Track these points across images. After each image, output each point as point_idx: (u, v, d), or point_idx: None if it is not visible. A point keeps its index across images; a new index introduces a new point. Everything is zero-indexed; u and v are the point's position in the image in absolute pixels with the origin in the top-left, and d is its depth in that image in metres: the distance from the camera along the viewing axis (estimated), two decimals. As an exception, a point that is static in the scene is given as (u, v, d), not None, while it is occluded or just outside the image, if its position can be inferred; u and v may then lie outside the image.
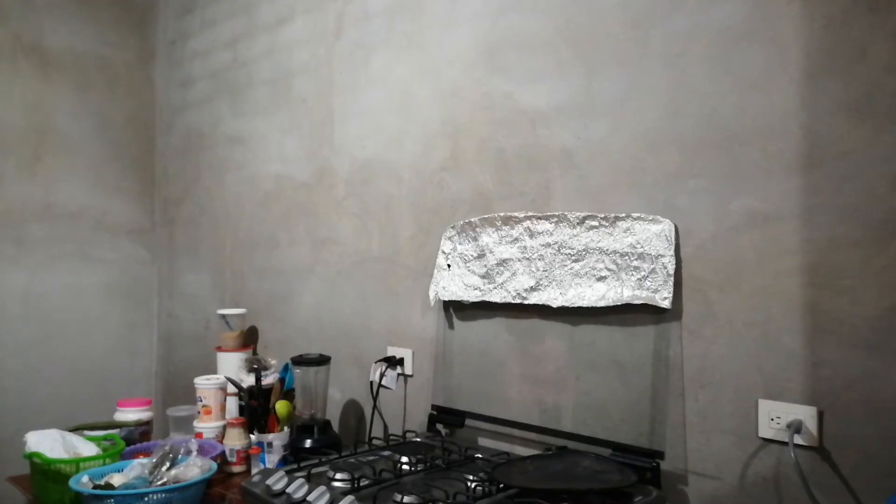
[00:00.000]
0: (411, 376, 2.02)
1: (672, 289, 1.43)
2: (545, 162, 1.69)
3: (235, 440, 1.92)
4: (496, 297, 1.74)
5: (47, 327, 2.91)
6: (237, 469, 1.90)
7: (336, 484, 1.45)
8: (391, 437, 1.81)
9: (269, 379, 2.05)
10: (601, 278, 1.55)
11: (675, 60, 1.47)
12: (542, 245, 1.66)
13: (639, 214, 1.50)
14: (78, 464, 1.73)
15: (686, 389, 1.45)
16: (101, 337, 3.04)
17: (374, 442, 1.76)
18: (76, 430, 1.94)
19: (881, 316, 1.22)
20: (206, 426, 2.05)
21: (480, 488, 1.37)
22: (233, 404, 2.14)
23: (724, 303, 1.40)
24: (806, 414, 1.29)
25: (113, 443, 1.93)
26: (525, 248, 1.69)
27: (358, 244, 2.19)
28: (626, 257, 1.51)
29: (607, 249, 1.54)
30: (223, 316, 2.49)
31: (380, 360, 2.01)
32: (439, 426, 1.88)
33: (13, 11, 2.80)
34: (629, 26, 1.54)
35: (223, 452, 1.90)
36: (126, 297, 3.12)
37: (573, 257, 1.60)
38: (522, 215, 1.70)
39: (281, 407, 1.95)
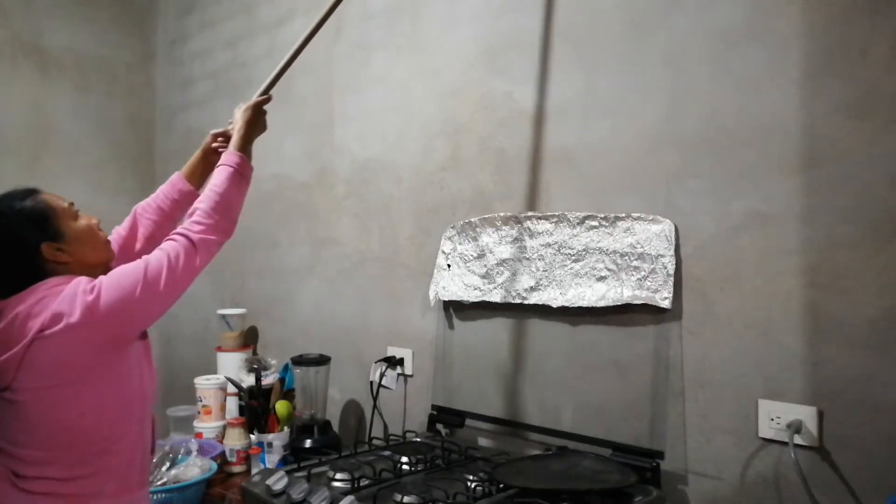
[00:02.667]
0: (411, 376, 2.02)
1: (672, 289, 1.43)
2: (545, 162, 1.69)
3: (235, 440, 1.92)
4: (496, 297, 1.74)
5: (47, 327, 2.90)
6: (237, 469, 1.90)
7: (336, 484, 1.45)
8: (391, 437, 1.81)
9: (269, 379, 2.05)
10: (601, 278, 1.55)
11: (675, 60, 1.47)
12: (542, 245, 1.65)
13: (639, 214, 1.50)
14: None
15: (686, 389, 1.45)
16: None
17: (374, 442, 1.76)
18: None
19: (881, 316, 1.22)
20: (206, 426, 2.05)
21: (480, 488, 1.37)
22: (233, 404, 2.15)
23: (724, 303, 1.40)
24: (806, 414, 1.29)
25: (113, 443, 1.92)
26: (525, 248, 1.69)
27: (358, 244, 2.19)
28: (626, 257, 1.51)
29: (607, 249, 1.54)
30: (223, 316, 2.49)
31: (380, 360, 2.01)
32: (439, 426, 1.88)
33: (13, 11, 2.80)
34: (629, 26, 1.54)
35: (223, 452, 1.90)
36: (126, 297, 3.11)
37: (573, 257, 1.60)
38: (522, 215, 1.70)
39: (281, 407, 1.96)
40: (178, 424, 2.26)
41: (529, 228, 1.69)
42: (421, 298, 1.98)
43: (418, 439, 1.80)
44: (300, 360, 2.03)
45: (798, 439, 1.28)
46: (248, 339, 2.57)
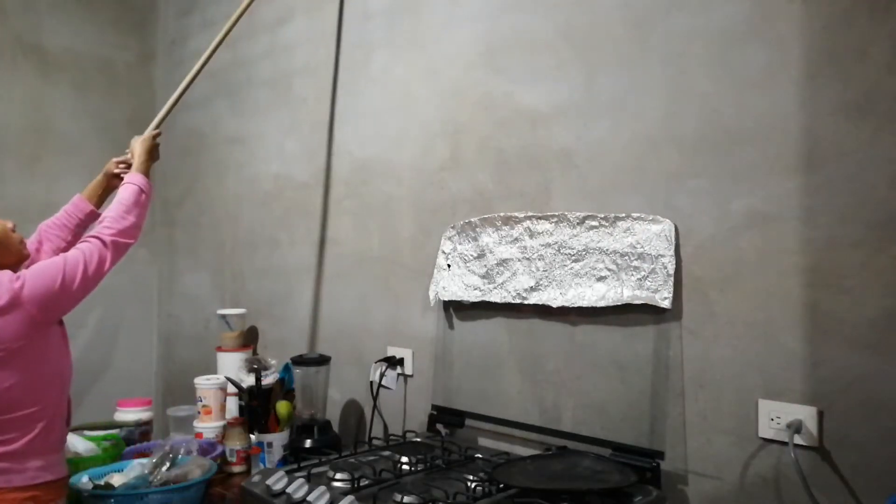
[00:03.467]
0: (411, 376, 2.01)
1: (672, 289, 1.43)
2: (545, 162, 1.69)
3: (235, 440, 1.92)
4: (496, 297, 1.74)
5: (47, 327, 2.90)
6: (237, 469, 1.90)
7: (336, 484, 1.45)
8: (391, 437, 1.81)
9: (269, 379, 2.05)
10: (601, 278, 1.55)
11: (675, 60, 1.47)
12: (542, 245, 1.65)
13: (639, 214, 1.50)
14: (78, 464, 1.73)
15: (686, 389, 1.45)
16: (101, 337, 3.04)
17: (374, 442, 1.76)
18: (76, 430, 1.94)
19: (881, 316, 1.22)
20: (206, 426, 2.05)
21: (480, 488, 1.37)
22: (233, 404, 2.14)
23: (724, 303, 1.40)
24: (806, 414, 1.29)
25: (113, 443, 1.93)
26: (525, 248, 1.69)
27: (358, 244, 2.19)
28: (626, 257, 1.51)
29: (607, 249, 1.54)
30: (223, 316, 2.49)
31: (380, 360, 2.01)
32: (439, 426, 1.88)
33: (13, 11, 2.80)
34: (629, 26, 1.54)
35: (223, 452, 1.90)
36: (126, 297, 3.11)
37: (573, 257, 1.60)
38: (522, 215, 1.70)
39: (281, 407, 1.96)
40: (178, 424, 2.26)
41: (529, 228, 1.69)
42: (421, 298, 1.97)
43: (418, 439, 1.80)
44: (300, 360, 2.03)
45: (798, 439, 1.28)
46: (248, 339, 2.57)
